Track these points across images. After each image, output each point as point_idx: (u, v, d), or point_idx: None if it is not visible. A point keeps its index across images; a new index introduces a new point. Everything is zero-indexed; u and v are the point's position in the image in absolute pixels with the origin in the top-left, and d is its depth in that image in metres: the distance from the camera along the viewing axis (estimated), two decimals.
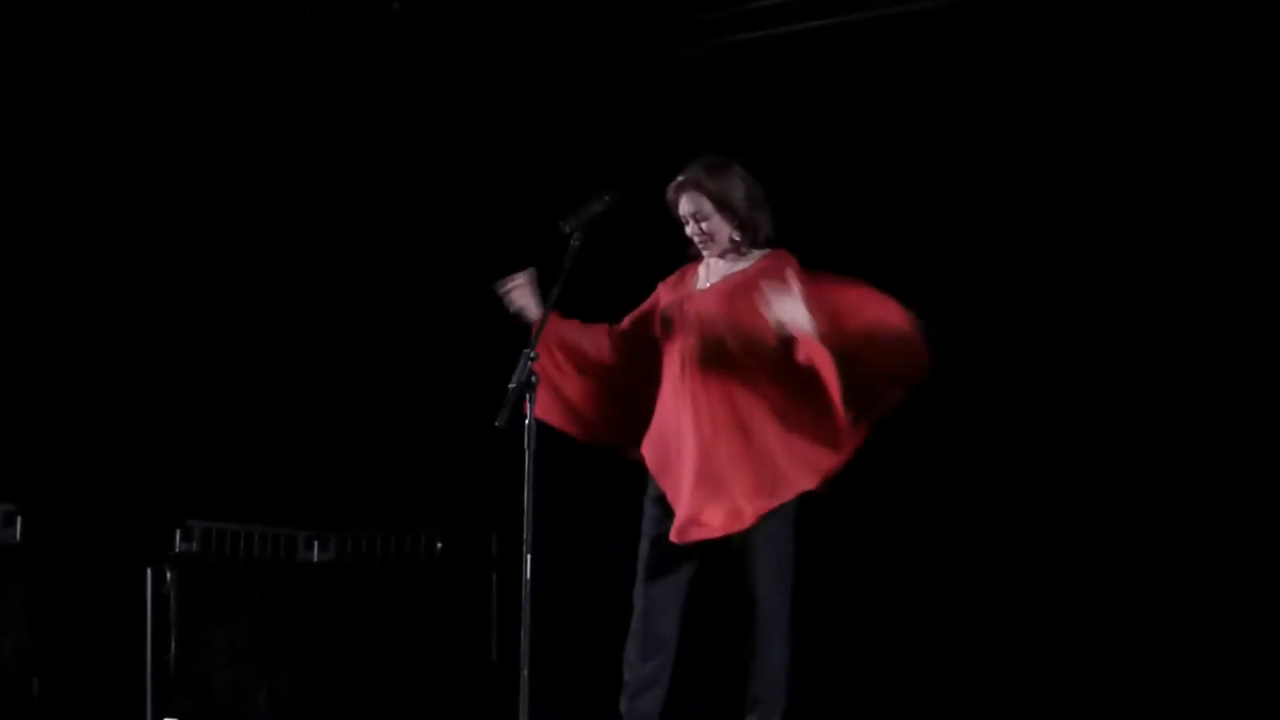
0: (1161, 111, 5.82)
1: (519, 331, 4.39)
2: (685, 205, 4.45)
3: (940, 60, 6.18)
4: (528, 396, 4.13)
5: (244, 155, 7.60)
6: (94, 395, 7.26)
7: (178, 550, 6.82)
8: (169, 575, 6.68)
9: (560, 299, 4.38)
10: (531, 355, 4.17)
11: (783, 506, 4.30)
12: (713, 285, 4.46)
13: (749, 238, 4.44)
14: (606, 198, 4.40)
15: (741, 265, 4.46)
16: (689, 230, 4.46)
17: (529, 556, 4.09)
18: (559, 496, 4.43)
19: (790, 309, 4.14)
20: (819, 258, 6.17)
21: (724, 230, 4.43)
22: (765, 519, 4.28)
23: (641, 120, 6.65)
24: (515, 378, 4.12)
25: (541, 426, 4.26)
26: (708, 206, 4.41)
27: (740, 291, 4.36)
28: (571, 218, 4.32)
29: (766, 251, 4.48)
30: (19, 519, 6.65)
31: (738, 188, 4.42)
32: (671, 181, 4.49)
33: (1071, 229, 5.95)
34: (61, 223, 7.25)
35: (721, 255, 4.48)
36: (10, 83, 6.98)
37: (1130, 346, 5.85)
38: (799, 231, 6.21)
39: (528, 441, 4.13)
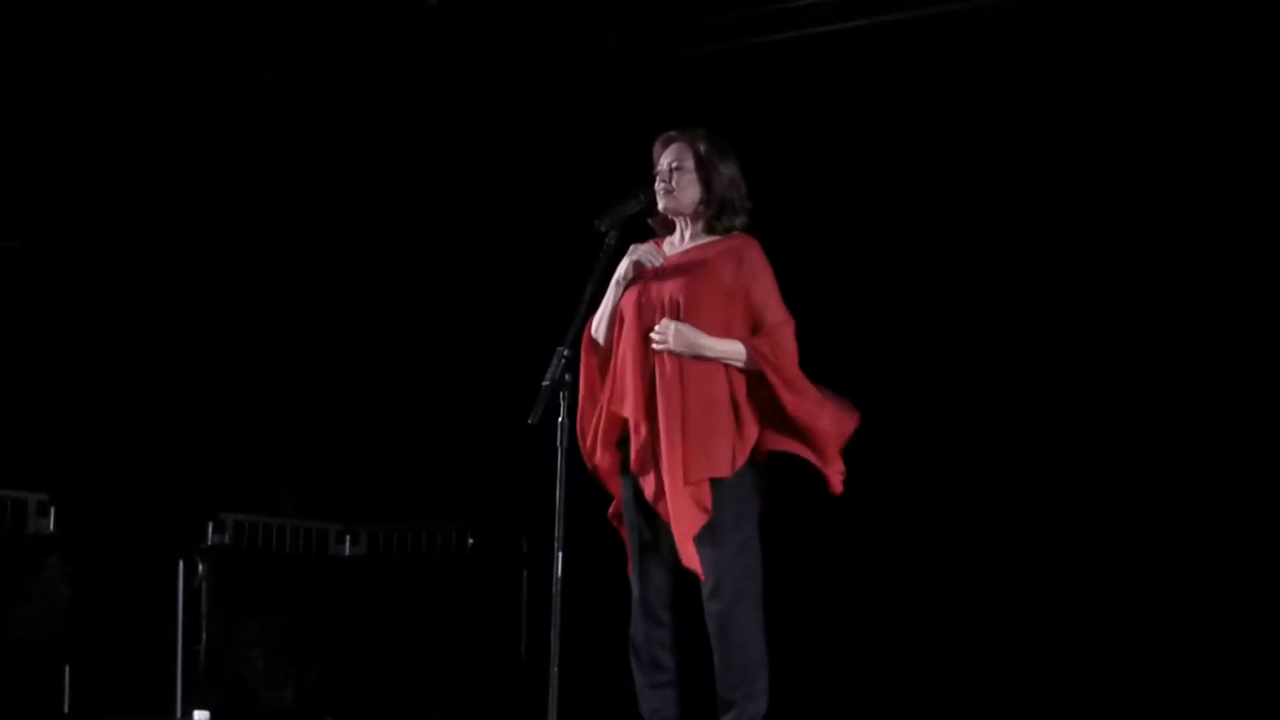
0: (1158, 110, 5.86)
1: (554, 329, 4.38)
2: (671, 154, 4.38)
3: (948, 67, 6.24)
4: (561, 394, 4.13)
5: (277, 151, 7.63)
6: (129, 387, 7.31)
7: (210, 542, 6.85)
8: (201, 567, 6.71)
9: (596, 297, 4.36)
10: (565, 353, 4.16)
11: (737, 486, 4.21)
12: (671, 262, 4.39)
13: (712, 213, 4.38)
14: (641, 196, 4.38)
15: (700, 243, 4.41)
16: (659, 179, 4.40)
17: (560, 554, 4.09)
18: (591, 494, 4.41)
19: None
20: (828, 258, 6.29)
21: (693, 191, 4.37)
22: (717, 498, 4.19)
23: (674, 120, 6.68)
24: (548, 375, 4.11)
25: (573, 424, 4.25)
26: (690, 163, 4.36)
27: (697, 270, 4.31)
28: (606, 216, 4.30)
29: (731, 235, 4.42)
30: (53, 509, 6.70)
31: (727, 165, 4.36)
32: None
33: (1071, 234, 6.01)
34: (93, 228, 7.31)
35: (680, 219, 4.42)
36: (18, 83, 7.06)
37: (1122, 346, 5.91)
38: (808, 231, 6.31)
39: (560, 439, 4.13)
